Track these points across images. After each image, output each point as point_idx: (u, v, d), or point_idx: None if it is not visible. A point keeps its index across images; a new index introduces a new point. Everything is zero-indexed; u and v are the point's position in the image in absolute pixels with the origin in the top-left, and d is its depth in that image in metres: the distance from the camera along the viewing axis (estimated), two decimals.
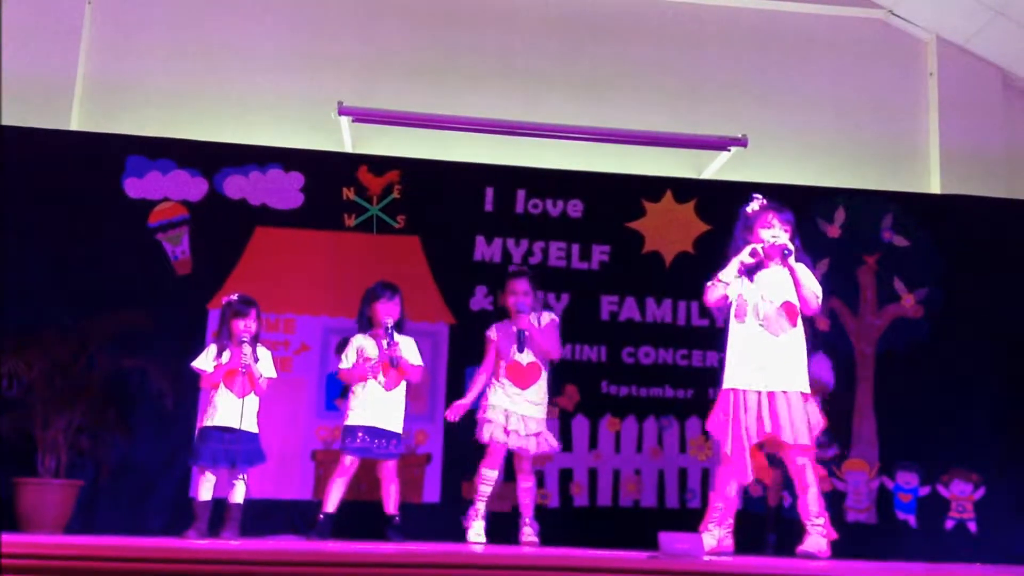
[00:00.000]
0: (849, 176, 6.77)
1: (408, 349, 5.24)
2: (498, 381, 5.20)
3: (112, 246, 5.87)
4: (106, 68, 6.46)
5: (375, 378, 5.16)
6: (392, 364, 5.15)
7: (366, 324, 5.27)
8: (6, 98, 6.18)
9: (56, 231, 5.84)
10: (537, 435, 5.15)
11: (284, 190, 6.11)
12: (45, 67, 6.33)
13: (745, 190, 6.46)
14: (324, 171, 6.19)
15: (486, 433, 5.10)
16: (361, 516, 5.28)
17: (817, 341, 5.56)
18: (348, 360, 5.24)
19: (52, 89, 6.33)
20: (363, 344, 5.23)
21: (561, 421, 5.97)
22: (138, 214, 5.95)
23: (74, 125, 6.33)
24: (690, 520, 5.39)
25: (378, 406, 5.15)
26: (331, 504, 5.10)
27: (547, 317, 5.30)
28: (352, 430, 5.13)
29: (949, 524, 6.15)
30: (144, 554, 3.27)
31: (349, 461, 5.12)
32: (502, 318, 5.39)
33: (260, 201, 6.08)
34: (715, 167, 6.74)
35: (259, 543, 4.64)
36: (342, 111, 6.18)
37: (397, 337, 5.18)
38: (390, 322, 5.16)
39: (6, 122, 6.02)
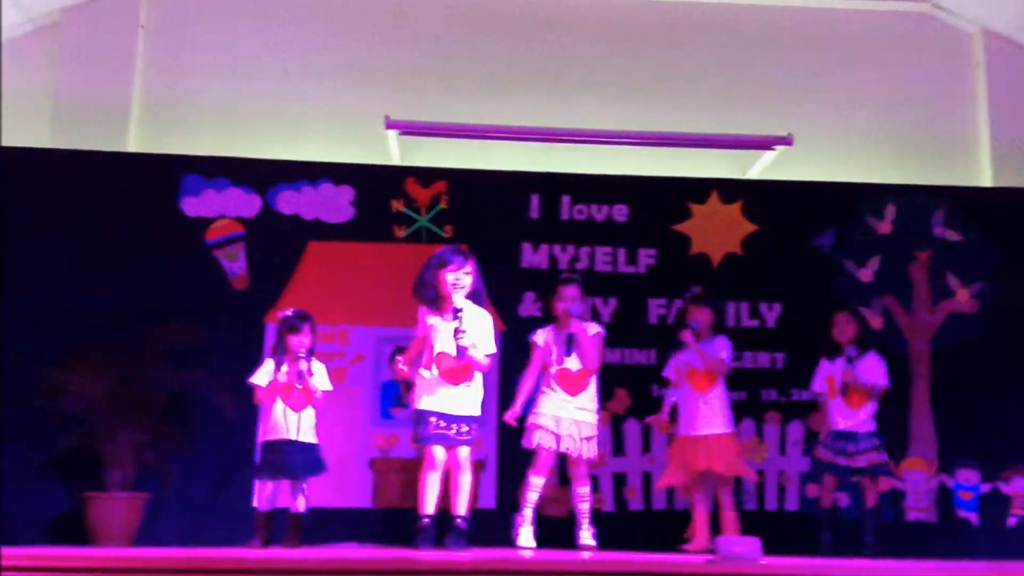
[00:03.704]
0: (898, 172, 6.71)
1: (479, 335, 4.72)
2: (548, 388, 5.18)
3: (171, 264, 6.02)
4: (160, 90, 6.64)
5: (430, 369, 4.70)
6: (459, 355, 4.67)
7: (432, 296, 4.80)
8: (66, 122, 6.39)
9: (117, 251, 6.00)
10: (588, 439, 5.15)
11: (335, 204, 6.23)
12: (102, 91, 6.52)
13: (792, 189, 6.50)
14: (373, 184, 6.29)
15: (534, 440, 5.09)
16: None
17: (869, 340, 5.54)
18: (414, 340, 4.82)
19: (109, 112, 6.51)
20: (430, 320, 4.77)
21: (612, 425, 6.00)
22: (195, 232, 6.10)
23: (131, 147, 6.50)
24: (745, 522, 5.40)
25: (451, 392, 4.72)
26: (429, 506, 4.70)
27: (593, 329, 5.25)
28: (423, 416, 4.70)
29: (1011, 521, 6.07)
30: (209, 565, 3.36)
31: (439, 455, 4.65)
32: (550, 324, 5.42)
33: (312, 215, 6.21)
34: (760, 167, 6.73)
35: (320, 551, 4.73)
36: (389, 124, 6.27)
37: (469, 318, 4.70)
38: (459, 300, 4.68)
39: (66, 146, 6.22)
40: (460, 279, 4.76)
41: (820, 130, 6.77)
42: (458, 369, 4.73)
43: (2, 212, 5.97)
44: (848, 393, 5.42)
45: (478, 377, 4.85)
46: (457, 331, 4.67)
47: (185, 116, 6.60)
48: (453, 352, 4.72)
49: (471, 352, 4.71)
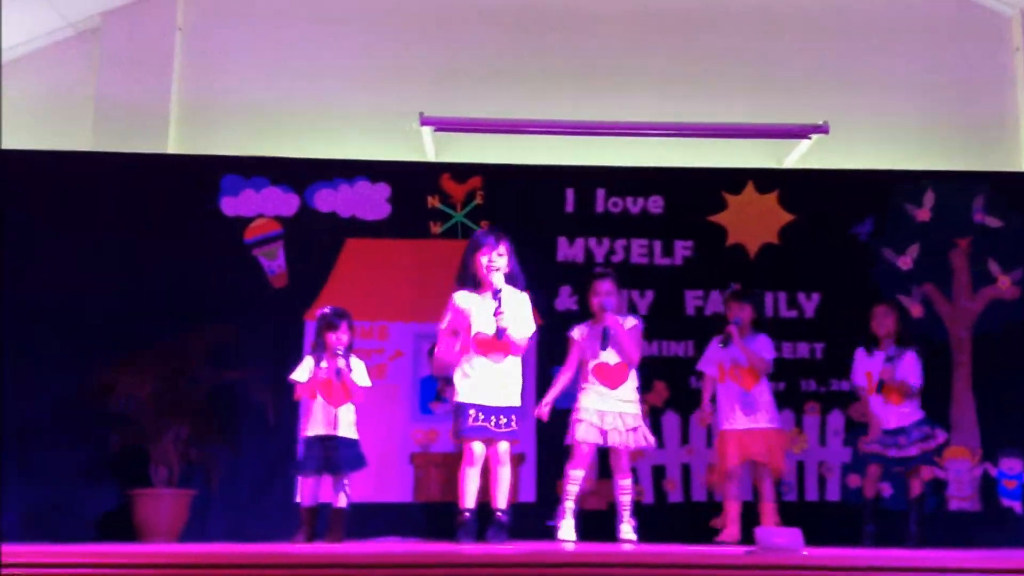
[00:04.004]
0: (937, 158, 6.64)
1: (518, 315, 4.70)
2: (587, 384, 5.20)
3: (211, 263, 6.11)
4: (198, 91, 6.72)
5: (467, 353, 4.69)
6: (498, 336, 4.67)
7: (469, 280, 4.79)
8: (107, 125, 6.50)
9: (158, 251, 6.10)
10: (635, 430, 5.15)
11: (371, 201, 6.28)
12: (141, 94, 6.61)
13: (829, 177, 6.46)
14: (409, 181, 6.34)
15: (578, 434, 5.10)
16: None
17: (908, 338, 5.51)
18: (445, 321, 4.81)
19: (149, 114, 6.61)
20: (463, 304, 4.76)
21: (651, 418, 6.00)
22: (235, 231, 6.18)
23: (171, 148, 6.60)
24: (785, 514, 5.40)
25: (490, 380, 4.69)
26: (469, 500, 4.69)
27: (631, 321, 5.25)
28: (462, 409, 4.67)
29: None
30: (254, 560, 3.41)
31: (478, 450, 4.65)
32: (587, 318, 5.44)
33: (349, 213, 6.27)
34: (796, 155, 6.68)
35: (363, 546, 4.79)
36: (423, 121, 6.30)
37: (508, 300, 4.68)
38: (498, 280, 4.67)
39: (108, 148, 6.33)
40: (495, 260, 4.73)
41: (857, 117, 6.69)
42: (496, 346, 4.70)
43: (45, 215, 6.09)
44: (887, 391, 5.40)
45: (516, 365, 4.79)
46: (496, 311, 4.64)
47: (223, 117, 6.68)
48: (490, 333, 4.69)
49: (509, 333, 4.66)
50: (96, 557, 3.38)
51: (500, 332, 4.64)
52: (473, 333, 4.71)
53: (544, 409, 5.19)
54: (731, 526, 5.33)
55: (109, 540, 5.50)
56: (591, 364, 5.21)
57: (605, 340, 5.15)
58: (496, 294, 4.68)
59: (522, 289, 4.86)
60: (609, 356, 5.18)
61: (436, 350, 4.97)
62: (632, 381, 5.23)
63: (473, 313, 4.72)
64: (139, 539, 5.52)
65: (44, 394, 5.79)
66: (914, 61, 6.88)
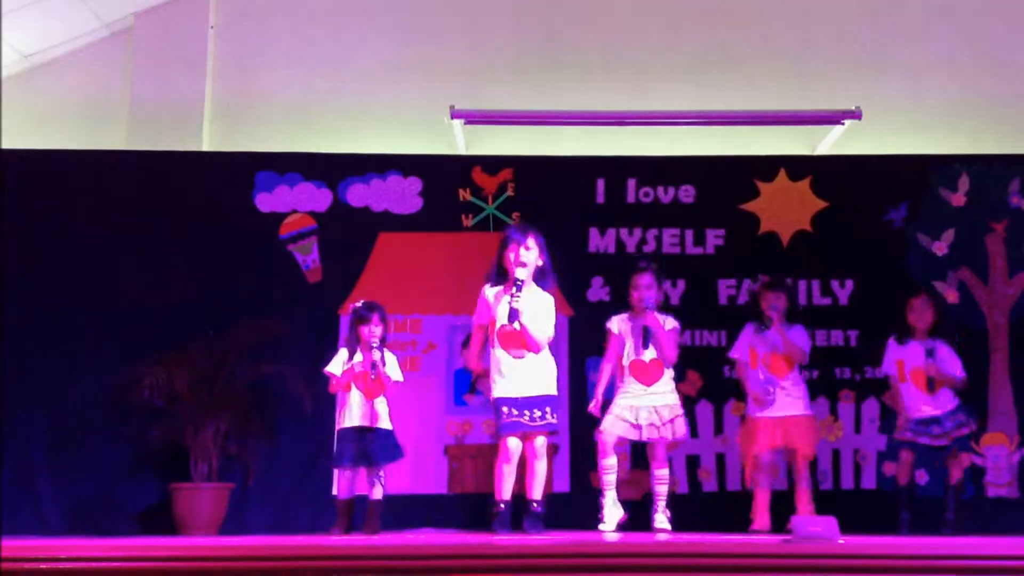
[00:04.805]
0: (971, 142, 6.54)
1: (539, 309, 4.77)
2: (622, 382, 5.21)
3: (247, 259, 6.19)
4: (232, 89, 6.78)
5: (494, 347, 4.75)
6: (509, 321, 4.70)
7: (499, 276, 4.88)
8: (142, 125, 6.57)
9: (195, 248, 6.18)
10: (672, 421, 5.15)
11: (404, 195, 6.33)
12: (175, 92, 6.68)
13: (862, 163, 6.40)
14: (440, 174, 6.37)
15: (602, 424, 5.13)
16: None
17: (947, 326, 5.46)
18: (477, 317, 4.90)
19: (183, 113, 6.67)
20: (489, 297, 4.84)
21: (685, 407, 5.99)
22: (269, 227, 6.25)
23: (206, 146, 6.67)
24: (821, 502, 5.38)
25: (519, 372, 4.75)
26: (505, 492, 4.77)
27: (670, 323, 5.24)
28: (496, 406, 4.75)
29: None
30: (293, 552, 3.46)
31: (513, 446, 4.72)
32: (620, 309, 5.43)
33: (382, 207, 6.31)
34: (829, 142, 6.62)
35: (400, 537, 4.84)
36: (454, 114, 6.32)
37: (529, 296, 4.75)
38: (521, 274, 4.72)
39: (143, 148, 6.40)
40: (521, 255, 4.79)
41: (890, 102, 6.61)
42: (515, 336, 4.72)
43: (82, 214, 6.19)
44: (933, 387, 5.35)
45: (544, 355, 4.83)
46: (512, 296, 4.69)
47: (256, 114, 6.73)
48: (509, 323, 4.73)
49: (523, 320, 4.68)
50: (138, 550, 3.45)
51: (513, 314, 4.66)
52: (497, 327, 4.78)
53: (596, 407, 5.19)
54: (762, 516, 5.31)
55: (150, 534, 5.60)
56: (627, 361, 5.22)
57: (647, 339, 5.16)
58: (517, 283, 4.71)
59: (551, 285, 4.92)
60: (646, 354, 5.18)
61: (469, 344, 5.03)
62: (668, 375, 5.23)
63: (497, 307, 4.78)
64: (179, 532, 5.61)
65: (87, 392, 5.91)
66: (946, 44, 6.78)
